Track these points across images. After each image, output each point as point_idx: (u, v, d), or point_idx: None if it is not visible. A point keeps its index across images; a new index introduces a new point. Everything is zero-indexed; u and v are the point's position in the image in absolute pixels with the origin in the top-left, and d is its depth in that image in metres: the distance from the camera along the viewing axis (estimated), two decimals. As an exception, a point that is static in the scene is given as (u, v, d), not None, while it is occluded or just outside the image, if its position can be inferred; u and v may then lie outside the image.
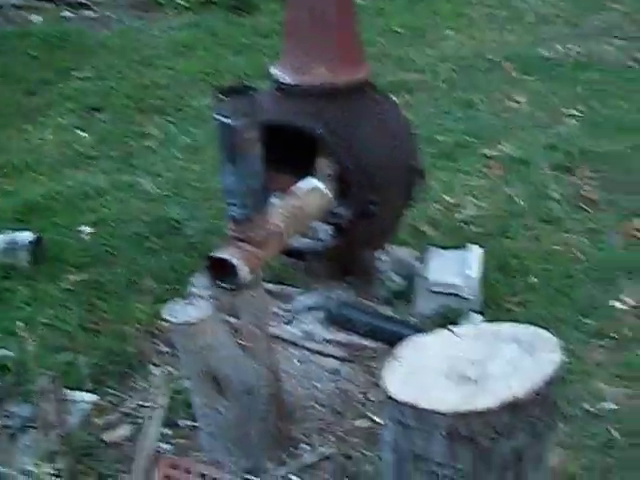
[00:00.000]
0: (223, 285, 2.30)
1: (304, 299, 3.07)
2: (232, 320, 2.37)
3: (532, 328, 2.03)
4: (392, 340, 2.62)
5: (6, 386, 2.77)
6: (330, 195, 2.67)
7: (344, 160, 2.65)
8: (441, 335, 2.05)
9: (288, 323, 3.01)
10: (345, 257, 2.90)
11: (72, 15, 7.34)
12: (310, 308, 3.02)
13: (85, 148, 4.84)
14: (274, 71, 2.79)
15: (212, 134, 4.71)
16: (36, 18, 7.15)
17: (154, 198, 4.15)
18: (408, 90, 5.48)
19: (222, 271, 2.27)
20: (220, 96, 2.14)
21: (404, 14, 7.16)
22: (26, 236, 3.56)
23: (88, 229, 3.82)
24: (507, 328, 2.04)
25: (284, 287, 3.17)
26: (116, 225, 3.86)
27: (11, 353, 2.90)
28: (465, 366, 1.91)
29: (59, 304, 3.25)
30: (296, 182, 2.79)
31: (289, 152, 2.77)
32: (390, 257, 3.20)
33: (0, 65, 6.00)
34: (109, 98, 5.49)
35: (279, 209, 2.50)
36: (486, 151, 4.53)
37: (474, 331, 2.06)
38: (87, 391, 2.76)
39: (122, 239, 3.72)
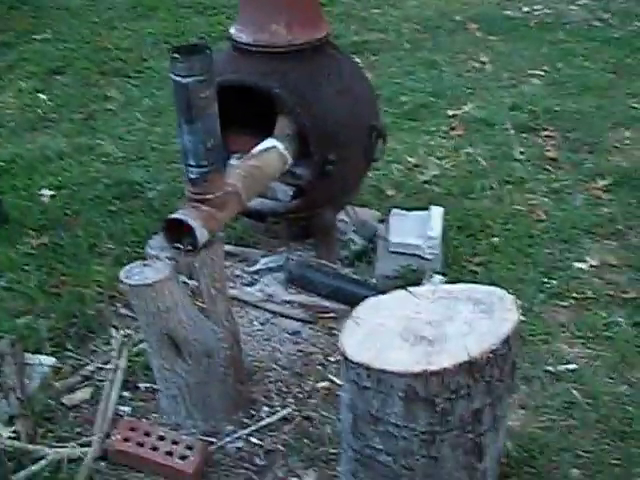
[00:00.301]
0: (180, 247, 2.27)
1: (265, 260, 3.06)
2: (190, 282, 2.35)
3: (491, 288, 2.04)
4: (352, 301, 2.63)
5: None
6: (288, 155, 2.66)
7: (302, 119, 2.63)
8: (399, 296, 2.04)
9: (249, 285, 2.99)
10: (305, 218, 2.88)
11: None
12: (270, 269, 3.01)
13: (46, 111, 4.77)
14: (232, 31, 2.75)
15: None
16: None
17: (115, 161, 4.10)
18: (372, 51, 5.45)
19: (180, 233, 2.25)
20: (175, 55, 2.10)
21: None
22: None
23: (48, 192, 3.77)
24: (466, 289, 2.04)
25: (245, 249, 3.16)
26: (77, 188, 3.82)
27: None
28: (422, 327, 1.90)
29: (18, 267, 3.21)
30: (256, 143, 2.78)
31: (249, 112, 2.74)
32: (351, 218, 3.19)
33: (-43, 27, 5.88)
34: (70, 61, 5.41)
35: (237, 169, 2.48)
36: (450, 112, 4.52)
37: (432, 292, 2.05)
38: (47, 354, 2.73)
39: (82, 202, 3.68)
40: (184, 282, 2.33)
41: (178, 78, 2.12)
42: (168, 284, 2.25)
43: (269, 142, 2.65)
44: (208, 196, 2.27)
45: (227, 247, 2.99)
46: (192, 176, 2.26)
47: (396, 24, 5.91)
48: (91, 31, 5.81)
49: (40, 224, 3.50)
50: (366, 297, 2.06)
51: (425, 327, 1.90)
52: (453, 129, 4.33)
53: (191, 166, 2.24)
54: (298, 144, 2.69)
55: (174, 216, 2.24)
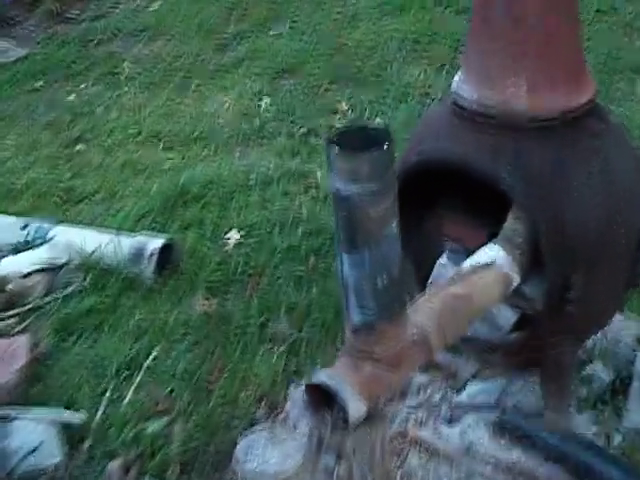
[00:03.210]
0: (328, 417, 1.54)
1: (474, 389, 2.25)
2: (334, 463, 1.61)
3: None
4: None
5: (73, 465, 2.18)
6: (515, 273, 1.82)
7: (539, 223, 1.78)
8: None
9: (447, 421, 2.19)
10: (532, 351, 2.02)
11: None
12: (478, 408, 2.19)
13: (265, 121, 4.18)
14: (454, 81, 1.94)
15: (412, 116, 4.00)
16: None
17: (325, 199, 3.40)
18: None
19: (329, 396, 1.51)
20: (333, 146, 1.34)
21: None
22: (157, 241, 2.95)
23: (236, 235, 3.16)
24: None
25: (455, 359, 2.35)
26: (270, 231, 3.17)
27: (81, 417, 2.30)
28: None
29: (172, 340, 2.62)
30: (477, 233, 1.98)
31: (471, 192, 1.93)
32: (601, 339, 2.29)
33: (194, 14, 5.45)
34: (303, 60, 4.78)
35: (430, 300, 1.68)
36: None
37: None
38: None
39: (271, 254, 3.02)
40: (329, 466, 1.60)
41: (337, 184, 1.36)
42: (301, 475, 1.52)
43: (489, 251, 1.82)
44: (375, 351, 1.51)
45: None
46: (354, 321, 1.50)
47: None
48: (332, 26, 5.14)
49: (214, 281, 2.89)
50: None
51: None
52: None
53: (352, 309, 1.49)
54: (531, 255, 1.84)
55: (319, 380, 1.50)
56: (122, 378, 2.50)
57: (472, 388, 2.25)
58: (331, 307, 2.62)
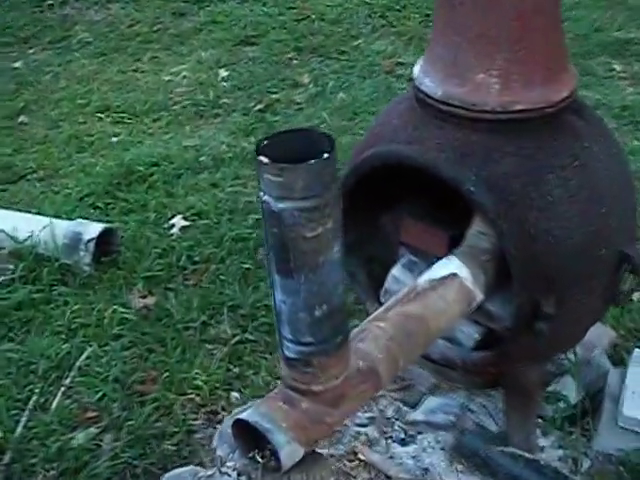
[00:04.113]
0: (259, 460, 1.34)
1: (429, 406, 2.06)
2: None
3: None
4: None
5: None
6: (477, 289, 1.62)
7: (507, 238, 1.57)
8: None
9: (400, 442, 2.00)
10: (496, 372, 1.83)
11: None
12: (435, 426, 2.00)
13: (220, 94, 3.95)
14: (415, 69, 1.72)
15: (379, 92, 3.78)
16: None
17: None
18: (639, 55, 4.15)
19: (259, 436, 1.32)
20: (262, 158, 1.13)
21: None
22: (95, 228, 2.72)
23: (182, 222, 2.93)
24: None
25: (411, 374, 2.16)
26: (218, 220, 2.94)
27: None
28: None
29: (107, 340, 2.41)
30: (437, 239, 1.78)
31: (436, 195, 1.72)
32: (571, 350, 2.11)
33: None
34: (264, 29, 4.55)
35: (380, 325, 1.48)
36: None
37: None
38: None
39: (219, 245, 2.80)
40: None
41: (267, 198, 1.15)
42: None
43: (449, 264, 1.62)
44: (313, 387, 1.31)
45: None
46: (287, 354, 1.30)
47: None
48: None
49: (154, 273, 2.67)
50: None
51: None
52: None
53: (286, 339, 1.28)
54: (497, 270, 1.65)
55: (248, 418, 1.30)
56: (50, 381, 2.29)
57: (429, 403, 2.06)
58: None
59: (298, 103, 3.81)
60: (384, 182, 1.80)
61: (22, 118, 3.85)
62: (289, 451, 1.29)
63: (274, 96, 3.84)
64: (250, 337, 2.38)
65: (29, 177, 3.37)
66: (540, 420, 2.00)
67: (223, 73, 4.13)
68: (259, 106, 3.79)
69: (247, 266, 2.66)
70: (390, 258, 1.91)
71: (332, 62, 4.16)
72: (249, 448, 1.34)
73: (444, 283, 1.58)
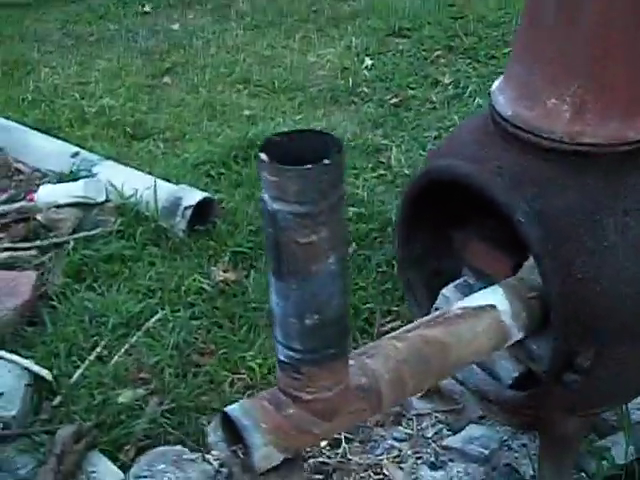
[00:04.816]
0: (240, 455, 1.33)
1: (470, 436, 1.98)
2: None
3: None
4: None
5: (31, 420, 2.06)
6: (516, 327, 1.53)
7: (550, 275, 1.48)
8: None
9: (431, 467, 1.94)
10: (532, 415, 1.73)
11: None
12: (468, 456, 1.93)
13: (359, 82, 3.93)
14: (494, 86, 1.64)
15: None
16: None
17: (394, 180, 3.13)
18: None
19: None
20: (265, 153, 1.10)
21: None
22: (195, 196, 2.78)
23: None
24: None
25: (456, 401, 2.08)
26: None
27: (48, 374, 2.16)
28: None
29: (182, 306, 2.45)
30: (500, 261, 1.70)
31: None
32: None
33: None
34: (420, 22, 4.47)
35: (396, 344, 1.43)
36: None
37: None
38: (122, 464, 1.96)
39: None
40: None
41: (265, 196, 1.13)
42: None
43: (492, 294, 1.55)
44: (302, 395, 1.28)
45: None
46: (279, 356, 1.27)
47: None
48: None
49: (243, 249, 2.69)
50: None
51: None
52: None
53: (277, 341, 1.26)
54: (542, 308, 1.55)
55: (231, 413, 1.29)
56: (117, 336, 2.36)
57: (469, 432, 1.99)
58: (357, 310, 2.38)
59: (433, 102, 3.74)
60: (457, 195, 1.73)
61: (166, 79, 3.97)
62: (264, 454, 1.27)
63: (411, 92, 3.78)
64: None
65: (155, 137, 3.47)
66: (582, 474, 1.88)
67: (368, 62, 4.10)
68: (395, 100, 3.75)
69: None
70: (456, 277, 1.85)
71: (479, 66, 4.05)
72: (234, 441, 1.33)
73: (478, 314, 1.51)
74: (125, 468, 1.94)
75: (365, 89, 3.84)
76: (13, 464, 1.93)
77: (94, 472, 1.92)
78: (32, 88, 3.85)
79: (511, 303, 1.53)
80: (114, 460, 1.96)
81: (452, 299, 1.75)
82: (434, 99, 3.75)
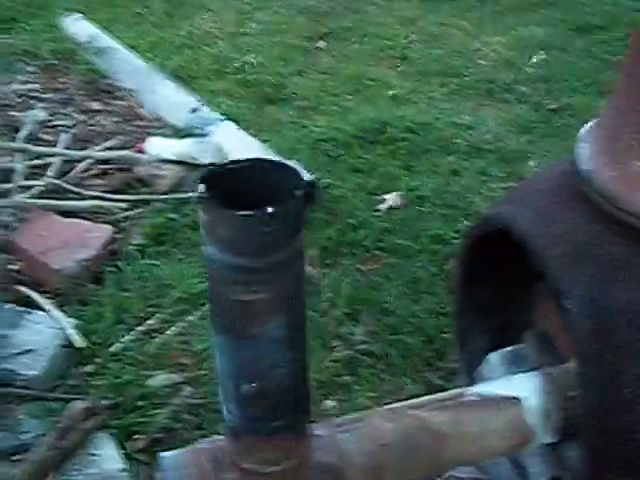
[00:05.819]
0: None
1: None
2: None
3: None
4: None
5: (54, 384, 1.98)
6: (541, 432, 1.26)
7: (588, 381, 1.19)
8: None
9: None
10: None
11: None
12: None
13: (521, 79, 3.59)
14: (581, 134, 1.35)
15: None
16: None
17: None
18: None
19: None
20: (201, 188, 0.91)
21: None
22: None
23: (395, 200, 2.70)
24: None
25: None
26: (432, 211, 2.68)
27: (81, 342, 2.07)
28: None
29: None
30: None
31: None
32: None
33: None
34: (612, 20, 4.03)
35: (386, 422, 1.20)
36: None
37: None
38: (133, 455, 1.84)
39: (416, 238, 2.55)
40: None
41: (207, 246, 0.93)
42: None
43: (523, 384, 1.29)
44: (241, 463, 1.09)
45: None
46: (225, 414, 1.08)
47: None
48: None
49: (330, 246, 2.48)
50: None
51: None
52: None
53: (225, 407, 1.07)
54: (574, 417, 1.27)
55: (166, 457, 1.12)
56: (174, 312, 2.23)
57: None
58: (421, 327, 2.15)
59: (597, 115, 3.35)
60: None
61: (320, 43, 3.80)
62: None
63: (573, 100, 3.40)
64: (377, 350, 2.14)
65: (292, 102, 3.31)
66: None
67: (536, 58, 3.75)
68: (554, 105, 3.40)
69: (425, 272, 2.39)
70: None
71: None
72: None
73: (497, 405, 1.25)
74: (130, 458, 1.82)
75: (524, 88, 3.51)
76: (20, 427, 1.85)
77: (95, 455, 1.80)
78: (185, 33, 3.77)
79: (545, 398, 1.26)
80: (121, 447, 1.84)
81: (495, 367, 1.49)
82: (596, 112, 3.36)
